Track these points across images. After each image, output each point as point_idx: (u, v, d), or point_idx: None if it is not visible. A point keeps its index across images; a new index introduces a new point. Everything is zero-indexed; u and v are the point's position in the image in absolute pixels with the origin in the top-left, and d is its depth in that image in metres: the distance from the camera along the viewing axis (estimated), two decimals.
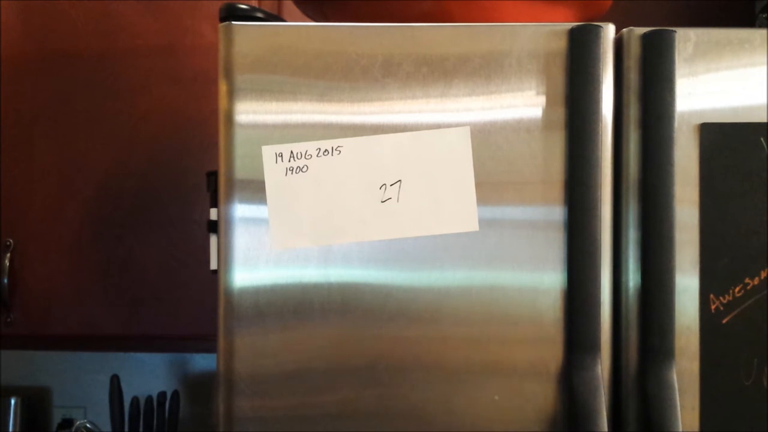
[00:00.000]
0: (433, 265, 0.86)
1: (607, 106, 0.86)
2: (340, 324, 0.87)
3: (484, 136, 0.86)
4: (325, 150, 0.87)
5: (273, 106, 0.87)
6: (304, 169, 0.87)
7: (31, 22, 1.44)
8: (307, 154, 0.87)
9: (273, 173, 0.87)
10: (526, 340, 0.86)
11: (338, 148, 0.86)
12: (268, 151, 0.87)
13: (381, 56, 0.87)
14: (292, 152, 0.87)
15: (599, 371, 0.84)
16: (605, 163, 0.86)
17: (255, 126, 0.87)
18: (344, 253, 0.87)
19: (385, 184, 0.86)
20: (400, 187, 0.86)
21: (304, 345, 0.87)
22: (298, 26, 0.88)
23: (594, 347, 0.84)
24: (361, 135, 0.87)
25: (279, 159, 0.87)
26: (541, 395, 0.86)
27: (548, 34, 0.86)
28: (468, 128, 0.87)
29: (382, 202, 0.86)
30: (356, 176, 0.87)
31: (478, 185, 0.86)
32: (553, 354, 0.85)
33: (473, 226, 0.86)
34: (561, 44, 0.86)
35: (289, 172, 0.87)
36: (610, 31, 0.86)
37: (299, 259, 0.87)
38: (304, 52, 0.87)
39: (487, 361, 0.86)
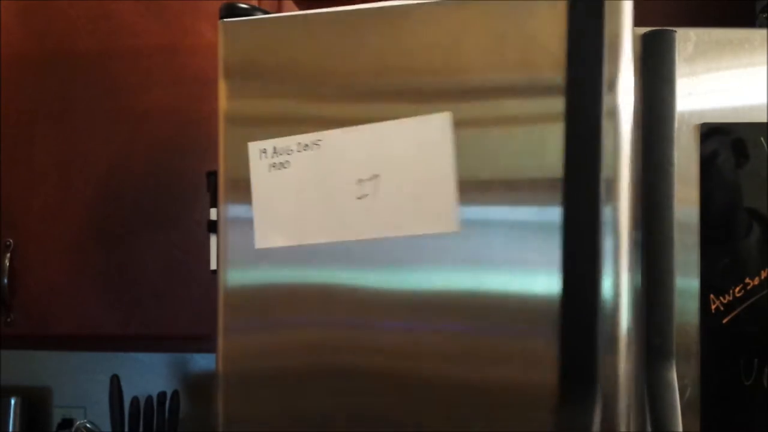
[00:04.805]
0: (415, 267, 0.83)
1: (621, 93, 0.81)
2: (320, 326, 0.85)
3: (474, 131, 0.82)
4: (305, 144, 0.82)
5: (267, 102, 0.86)
6: (285, 165, 0.83)
7: (31, 22, 1.44)
8: (289, 149, 0.83)
9: (257, 170, 0.84)
10: (515, 357, 0.81)
11: (317, 142, 0.82)
12: (253, 148, 0.85)
13: (365, 45, 0.84)
14: (275, 148, 0.84)
15: (597, 397, 0.76)
16: (621, 158, 0.81)
17: (253, 125, 0.86)
18: (327, 252, 0.84)
19: (362, 179, 0.81)
20: (377, 182, 0.80)
21: (288, 346, 0.86)
22: (290, 17, 0.86)
23: (590, 357, 0.77)
24: (343, 127, 0.82)
25: (263, 155, 0.84)
26: (530, 406, 0.80)
27: (545, 13, 0.81)
28: (449, 114, 0.81)
29: (358, 198, 0.80)
30: (334, 171, 0.81)
31: (464, 183, 0.81)
32: (543, 364, 0.80)
33: (451, 226, 0.80)
34: (559, 25, 0.80)
35: (272, 168, 0.83)
36: (624, 8, 0.80)
37: (298, 259, 0.86)
38: (295, 45, 0.85)
39: (470, 371, 0.82)
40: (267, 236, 0.84)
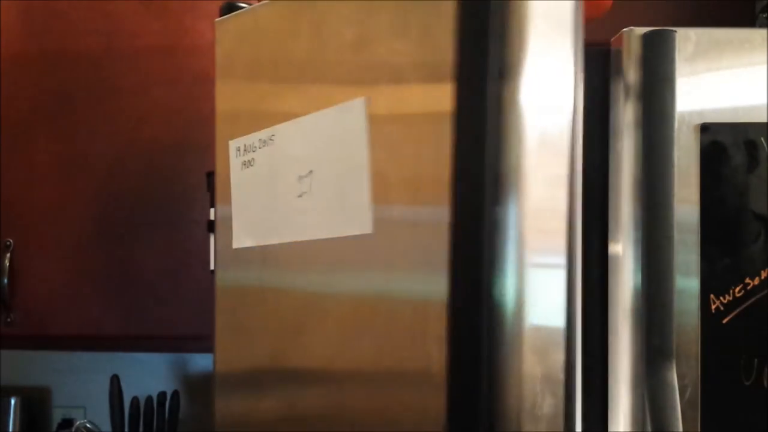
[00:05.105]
0: (343, 270, 0.77)
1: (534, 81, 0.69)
2: (272, 329, 0.84)
3: (383, 127, 0.74)
4: (264, 140, 0.79)
5: (258, 100, 0.85)
6: (252, 163, 0.80)
7: (31, 22, 1.43)
8: (253, 146, 0.80)
9: (234, 168, 0.83)
10: (420, 362, 0.73)
11: (271, 137, 0.78)
12: (231, 146, 0.83)
13: (301, 34, 0.79)
14: (245, 145, 0.81)
15: (481, 387, 0.66)
16: (526, 153, 0.69)
17: (247, 123, 0.86)
18: (276, 252, 0.81)
19: (301, 176, 0.75)
20: (312, 179, 0.74)
21: (257, 348, 0.85)
22: (273, 4, 0.84)
23: (475, 362, 0.66)
24: (287, 121, 0.78)
25: (238, 153, 0.82)
26: (423, 417, 0.72)
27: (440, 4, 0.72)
28: (363, 100, 0.72)
29: (298, 197, 0.75)
30: (282, 167, 0.77)
31: (377, 181, 0.74)
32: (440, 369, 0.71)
33: (365, 227, 0.72)
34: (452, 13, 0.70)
35: (243, 167, 0.81)
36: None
37: (258, 259, 0.84)
38: (265, 37, 0.83)
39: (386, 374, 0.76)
40: (239, 236, 0.83)
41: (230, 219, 0.86)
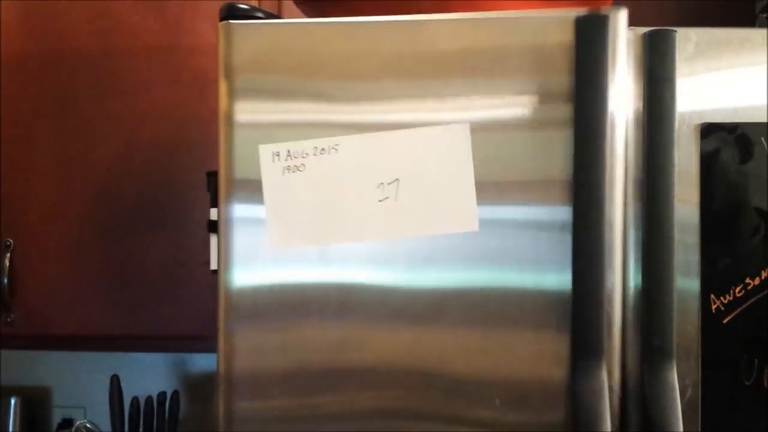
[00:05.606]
0: (433, 266, 0.85)
1: (620, 98, 0.84)
2: (337, 325, 0.86)
3: (488, 135, 0.85)
4: (322, 148, 0.86)
5: (272, 105, 0.87)
6: (301, 168, 0.86)
7: (31, 22, 1.43)
8: (304, 152, 0.86)
9: (270, 172, 0.86)
10: (526, 352, 0.85)
11: (335, 147, 0.86)
12: (265, 150, 0.86)
13: (380, 53, 0.86)
14: (289, 151, 0.86)
15: (604, 378, 0.82)
16: (617, 161, 0.85)
17: (255, 126, 0.87)
18: (342, 252, 0.86)
19: (382, 183, 0.85)
20: (398, 186, 0.85)
21: (302, 345, 0.87)
22: (298, 23, 0.88)
23: (598, 353, 0.82)
24: (360, 133, 0.86)
25: (276, 158, 0.86)
26: (543, 400, 0.84)
27: (553, 25, 0.85)
28: (467, 125, 0.85)
29: (380, 201, 0.85)
30: (353, 175, 0.86)
31: (480, 184, 0.85)
32: (556, 359, 0.84)
33: (472, 225, 0.85)
34: (567, 36, 0.85)
35: (287, 171, 0.86)
36: (620, 18, 0.85)
37: (298, 259, 0.86)
38: (304, 51, 0.87)
39: (489, 365, 0.85)
40: (285, 238, 0.86)
41: (242, 219, 0.87)
